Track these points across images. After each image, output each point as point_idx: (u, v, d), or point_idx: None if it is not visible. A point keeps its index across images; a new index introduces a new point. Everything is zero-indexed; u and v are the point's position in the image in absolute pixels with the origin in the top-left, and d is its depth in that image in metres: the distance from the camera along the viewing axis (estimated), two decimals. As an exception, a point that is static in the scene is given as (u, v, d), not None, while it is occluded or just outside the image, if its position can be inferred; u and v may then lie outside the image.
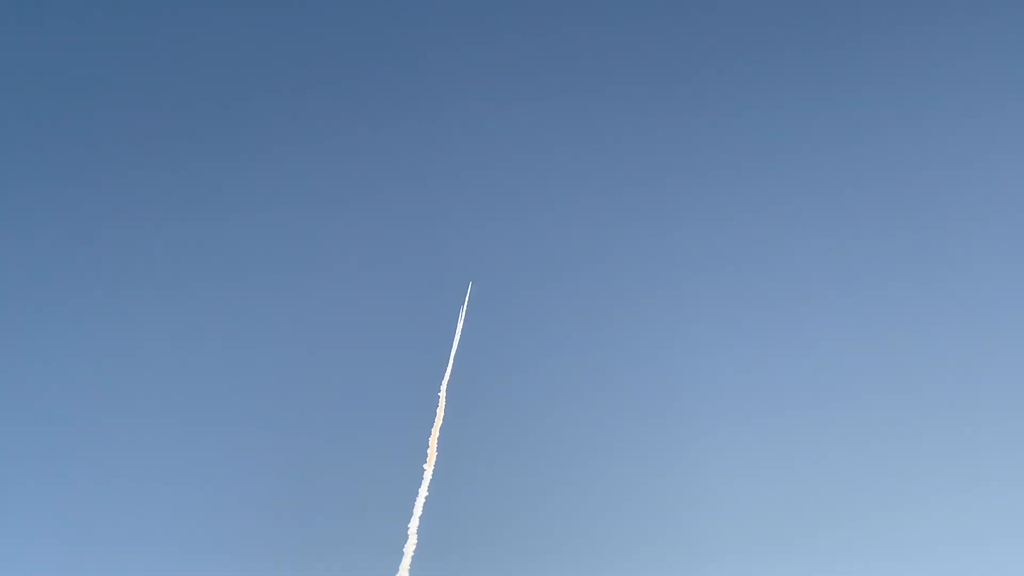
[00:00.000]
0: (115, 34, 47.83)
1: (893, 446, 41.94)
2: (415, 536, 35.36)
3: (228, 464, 41.36)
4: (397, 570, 34.77)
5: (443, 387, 36.15)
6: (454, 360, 36.17)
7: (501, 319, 42.79)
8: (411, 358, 42.52)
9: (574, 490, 41.36)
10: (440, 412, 36.04)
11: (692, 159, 47.24)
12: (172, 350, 43.08)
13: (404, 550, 35.01)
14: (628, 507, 41.43)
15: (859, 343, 44.18)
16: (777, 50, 47.51)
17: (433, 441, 35.90)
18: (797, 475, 41.74)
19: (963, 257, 44.64)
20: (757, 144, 46.86)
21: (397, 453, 39.25)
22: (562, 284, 45.22)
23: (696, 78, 47.74)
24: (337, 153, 47.11)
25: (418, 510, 35.56)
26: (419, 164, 46.92)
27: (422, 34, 48.41)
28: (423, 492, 35.72)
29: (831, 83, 47.28)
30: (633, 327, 44.55)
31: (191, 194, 46.15)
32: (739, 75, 47.56)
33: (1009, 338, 43.18)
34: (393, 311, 44.47)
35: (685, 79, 47.78)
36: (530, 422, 42.53)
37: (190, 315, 43.79)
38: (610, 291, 45.13)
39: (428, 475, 35.81)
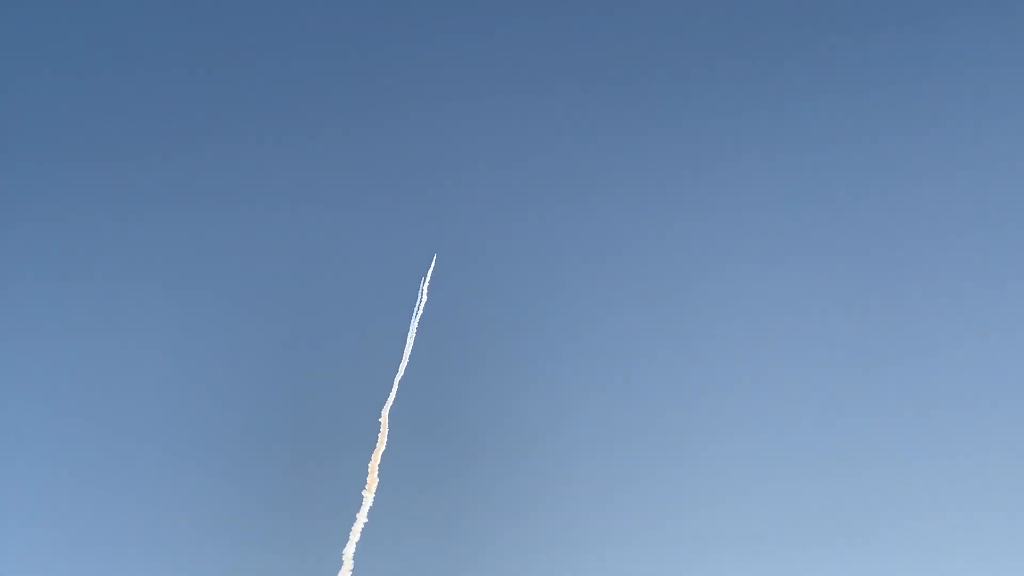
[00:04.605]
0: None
1: (893, 446, 41.05)
2: (351, 562, 34.61)
3: (152, 482, 40.26)
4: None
5: (385, 413, 35.32)
6: (398, 386, 35.35)
7: (450, 340, 41.38)
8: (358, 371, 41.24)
9: (520, 523, 39.95)
10: (383, 438, 35.34)
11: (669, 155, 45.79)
12: (89, 364, 41.91)
13: (338, 577, 34.23)
14: (582, 545, 40.13)
15: (860, 343, 42.90)
16: (779, 50, 46.03)
17: (374, 467, 35.24)
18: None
19: (965, 261, 43.46)
20: (739, 146, 45.46)
21: (336, 476, 38.12)
22: (516, 306, 43.75)
23: (687, 75, 46.33)
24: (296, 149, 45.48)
25: (355, 535, 34.96)
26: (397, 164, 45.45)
27: (405, 23, 46.83)
28: (362, 518, 35.12)
29: (835, 84, 45.84)
30: (590, 345, 43.22)
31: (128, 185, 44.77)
32: (735, 74, 46.10)
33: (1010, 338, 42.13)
34: (340, 322, 43.07)
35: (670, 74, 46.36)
36: (479, 451, 41.22)
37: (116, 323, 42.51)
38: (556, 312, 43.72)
39: (368, 501, 35.19)
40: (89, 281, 42.76)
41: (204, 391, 41.20)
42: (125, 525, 39.27)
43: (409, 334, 35.44)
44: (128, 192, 44.15)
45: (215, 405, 40.85)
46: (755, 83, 45.77)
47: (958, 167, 44.46)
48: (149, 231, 43.78)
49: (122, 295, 42.86)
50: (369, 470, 34.98)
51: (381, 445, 35.12)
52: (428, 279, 35.97)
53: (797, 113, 45.55)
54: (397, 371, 35.38)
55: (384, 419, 35.23)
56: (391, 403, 35.28)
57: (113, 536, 39.19)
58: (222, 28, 46.18)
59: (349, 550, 34.65)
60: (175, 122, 45.23)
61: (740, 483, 40.62)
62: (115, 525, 39.24)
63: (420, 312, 35.67)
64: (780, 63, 45.84)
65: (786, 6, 46.43)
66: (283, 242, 43.77)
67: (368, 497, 34.85)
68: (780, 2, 46.52)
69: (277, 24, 46.39)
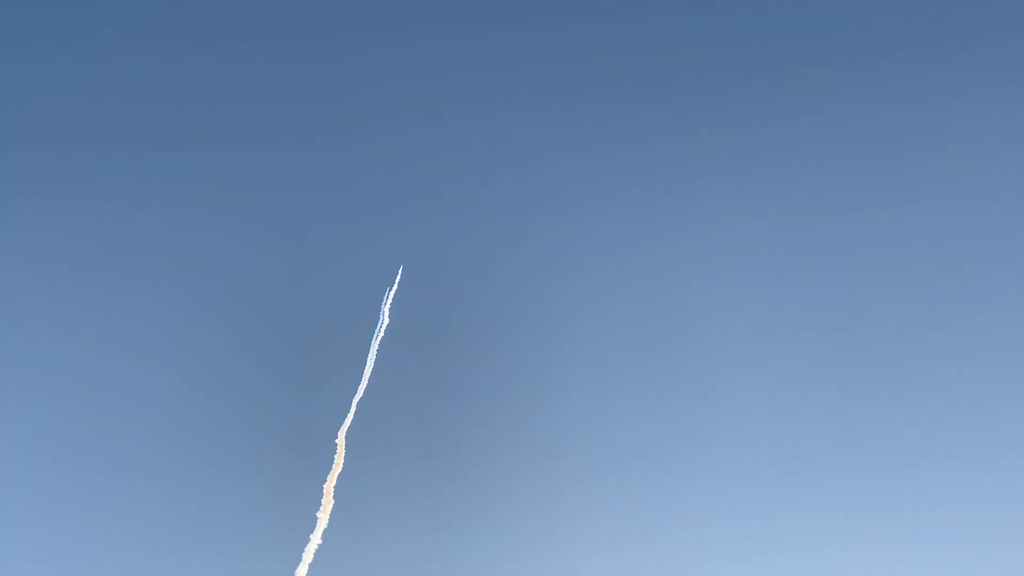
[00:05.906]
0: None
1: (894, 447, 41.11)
2: (304, 583, 34.43)
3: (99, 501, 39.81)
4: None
5: (341, 434, 35.05)
6: (357, 406, 35.13)
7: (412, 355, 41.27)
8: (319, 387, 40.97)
9: (477, 547, 39.67)
10: (339, 459, 35.06)
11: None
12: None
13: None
14: (541, 567, 39.95)
15: (862, 344, 42.75)
16: (778, 55, 46.19)
17: (329, 488, 34.94)
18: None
19: (965, 264, 43.43)
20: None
21: (290, 496, 37.86)
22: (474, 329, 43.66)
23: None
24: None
25: (308, 557, 34.59)
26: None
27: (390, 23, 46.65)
28: (316, 540, 34.78)
29: (837, 87, 46.02)
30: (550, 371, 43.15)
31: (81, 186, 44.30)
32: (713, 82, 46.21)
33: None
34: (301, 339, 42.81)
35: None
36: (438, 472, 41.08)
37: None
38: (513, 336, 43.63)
39: (323, 523, 34.88)
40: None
41: (158, 407, 40.81)
42: (71, 537, 38.96)
43: (369, 355, 35.26)
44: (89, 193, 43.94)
45: (169, 421, 40.50)
46: (742, 89, 45.78)
47: (956, 174, 44.40)
48: (111, 242, 43.54)
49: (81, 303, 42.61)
50: (324, 491, 34.70)
51: (337, 466, 34.86)
52: (390, 300, 35.83)
53: (793, 120, 45.52)
54: (356, 392, 35.20)
55: (341, 440, 35.00)
56: (348, 424, 35.09)
57: (56, 544, 38.91)
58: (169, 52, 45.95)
59: (302, 571, 34.34)
60: (132, 132, 45.01)
61: (707, 493, 40.51)
62: (58, 533, 38.96)
63: (381, 335, 35.51)
64: (770, 71, 46.10)
65: (788, 13, 46.68)
66: (243, 257, 43.47)
67: (323, 518, 34.55)
68: (781, 9, 46.78)
69: (226, 40, 46.21)
